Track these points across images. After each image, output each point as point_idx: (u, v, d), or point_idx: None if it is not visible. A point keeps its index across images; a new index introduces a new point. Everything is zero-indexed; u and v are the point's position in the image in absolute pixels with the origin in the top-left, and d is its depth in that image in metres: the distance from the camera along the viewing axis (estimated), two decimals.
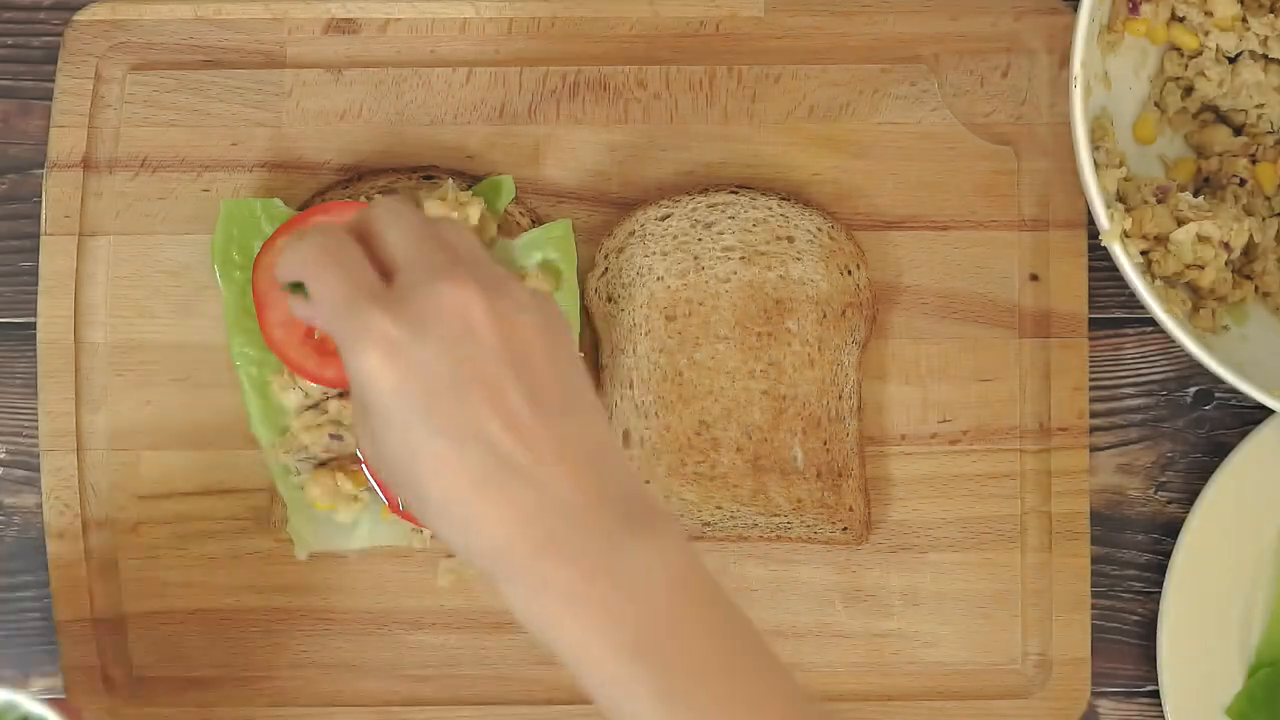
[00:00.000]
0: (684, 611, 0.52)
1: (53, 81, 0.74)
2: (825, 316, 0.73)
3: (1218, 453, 0.76)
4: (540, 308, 0.55)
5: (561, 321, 0.56)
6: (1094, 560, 0.75)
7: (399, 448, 0.52)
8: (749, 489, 0.73)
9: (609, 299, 0.73)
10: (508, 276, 0.56)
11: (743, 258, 0.73)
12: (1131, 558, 0.76)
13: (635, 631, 0.51)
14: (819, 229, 0.73)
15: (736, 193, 0.73)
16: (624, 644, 0.51)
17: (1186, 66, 0.74)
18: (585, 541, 0.51)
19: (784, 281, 0.73)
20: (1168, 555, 0.74)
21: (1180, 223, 0.71)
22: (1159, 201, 0.72)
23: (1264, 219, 0.73)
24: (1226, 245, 0.71)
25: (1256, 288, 0.74)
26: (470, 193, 0.72)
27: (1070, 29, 0.68)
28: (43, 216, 0.74)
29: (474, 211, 0.71)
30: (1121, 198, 0.72)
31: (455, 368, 0.52)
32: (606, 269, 0.73)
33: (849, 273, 0.73)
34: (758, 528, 0.73)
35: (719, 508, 0.73)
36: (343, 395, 0.71)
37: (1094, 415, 0.75)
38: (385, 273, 0.55)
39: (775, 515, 0.73)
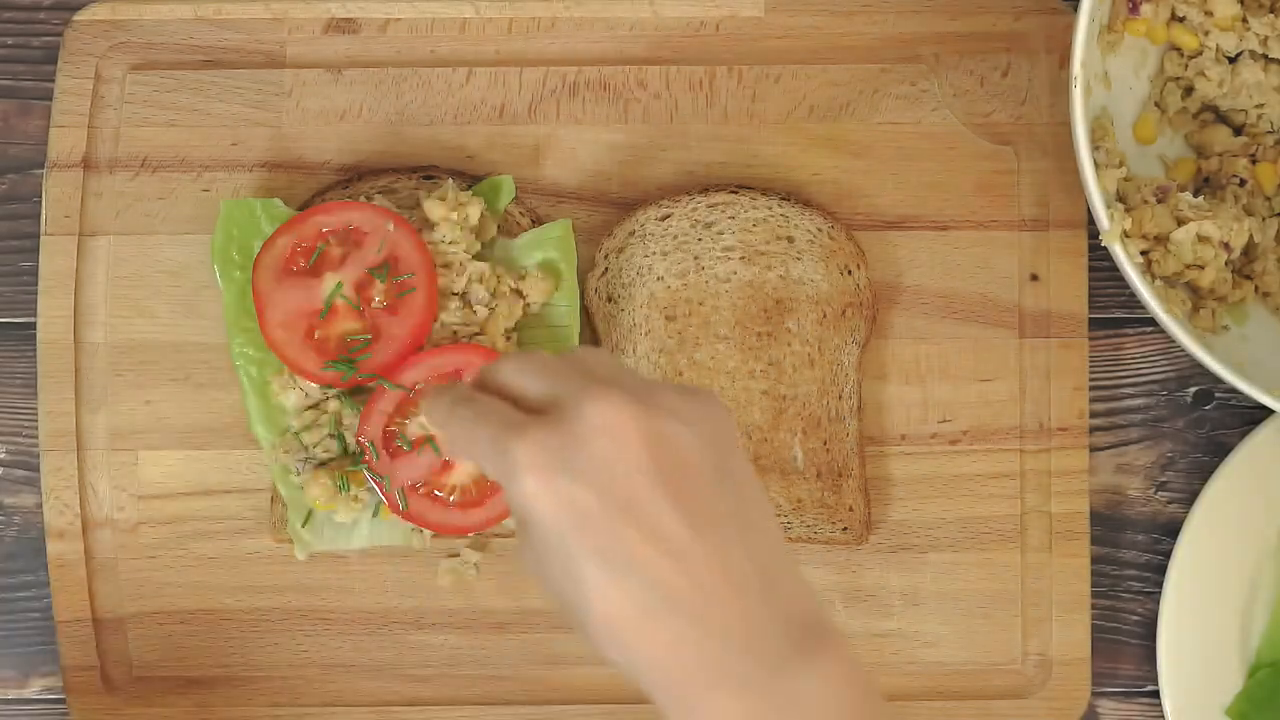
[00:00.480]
0: None
1: (53, 81, 0.74)
2: (825, 316, 0.73)
3: (1218, 453, 0.76)
4: (699, 415, 0.52)
5: (725, 425, 0.53)
6: (1094, 560, 0.75)
7: (561, 575, 0.51)
8: None
9: (609, 299, 0.73)
10: (660, 386, 0.53)
11: (743, 258, 0.73)
12: (1131, 558, 0.76)
13: None
14: (819, 229, 0.73)
15: (736, 193, 0.73)
16: None
17: (1186, 66, 0.74)
18: (751, 670, 0.49)
19: (784, 281, 0.73)
20: (1168, 555, 0.74)
21: (1180, 223, 0.71)
22: (1159, 201, 0.72)
23: (1264, 219, 0.73)
24: (1226, 245, 0.71)
25: (1256, 288, 0.74)
26: (470, 193, 0.72)
27: (1070, 29, 0.68)
28: (43, 216, 0.74)
29: (474, 211, 0.71)
30: (1121, 198, 0.72)
31: (607, 491, 0.49)
32: (606, 269, 0.73)
33: (849, 273, 0.73)
34: None
35: None
36: (342, 395, 0.71)
37: (1094, 415, 0.75)
38: (530, 412, 0.53)
39: (775, 515, 0.73)
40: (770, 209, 0.73)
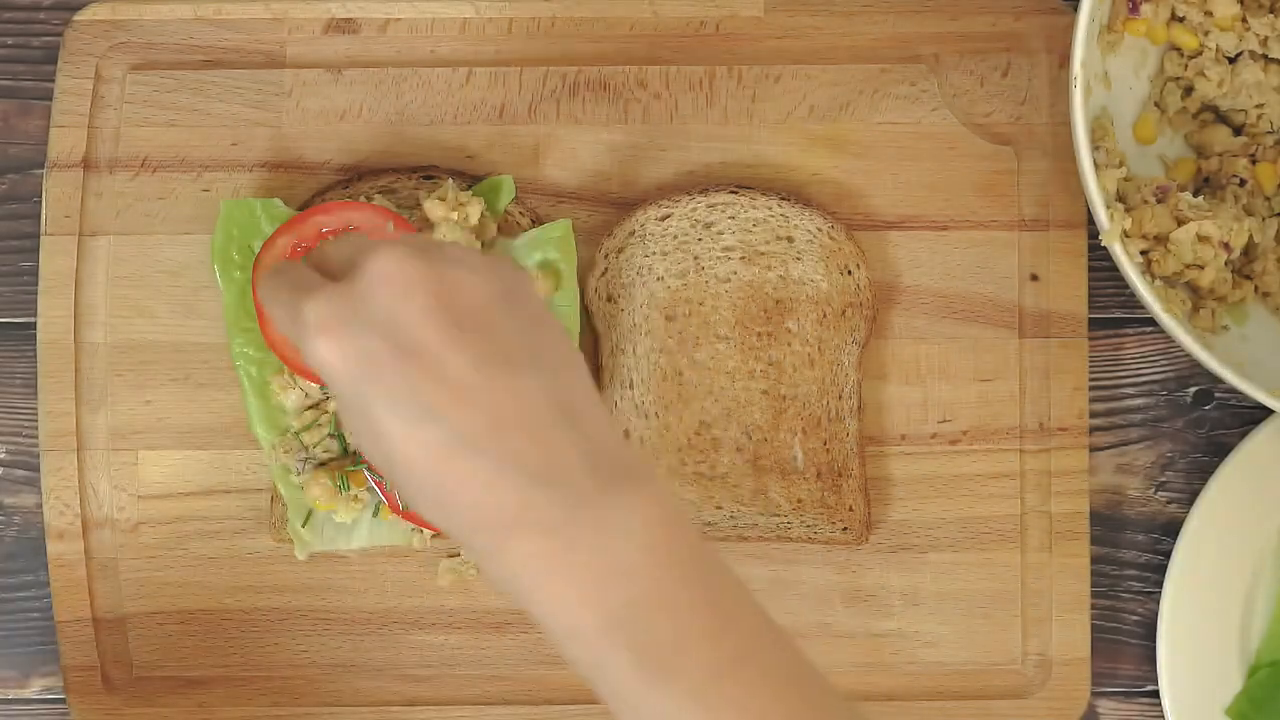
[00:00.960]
0: (664, 574, 0.50)
1: (53, 81, 0.74)
2: (825, 316, 0.73)
3: (1218, 453, 0.76)
4: (485, 264, 0.52)
5: (516, 275, 0.54)
6: (1094, 560, 0.75)
7: (364, 428, 0.51)
8: (749, 489, 0.73)
9: (609, 299, 0.73)
10: (450, 244, 0.54)
11: (743, 258, 0.73)
12: (1131, 558, 0.76)
13: (612, 599, 0.49)
14: (819, 229, 0.73)
15: (736, 193, 0.73)
16: (601, 612, 0.49)
17: (1186, 66, 0.74)
18: (555, 508, 0.49)
19: (784, 281, 0.73)
20: (1168, 555, 0.74)
21: (1180, 223, 0.71)
22: (1159, 201, 0.72)
23: (1264, 219, 0.73)
24: (1226, 245, 0.71)
25: (1256, 288, 0.74)
26: (470, 193, 0.72)
27: (1070, 29, 0.68)
28: (43, 216, 0.74)
29: (474, 211, 0.71)
30: (1121, 197, 0.72)
31: (392, 338, 0.50)
32: (606, 269, 0.73)
33: (849, 273, 0.73)
34: (758, 528, 0.73)
35: (719, 508, 0.73)
36: None
37: (1094, 415, 0.75)
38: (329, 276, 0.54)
39: (775, 515, 0.73)
40: (770, 209, 0.73)
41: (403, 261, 0.51)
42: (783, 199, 0.73)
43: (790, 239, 0.73)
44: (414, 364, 0.50)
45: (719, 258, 0.73)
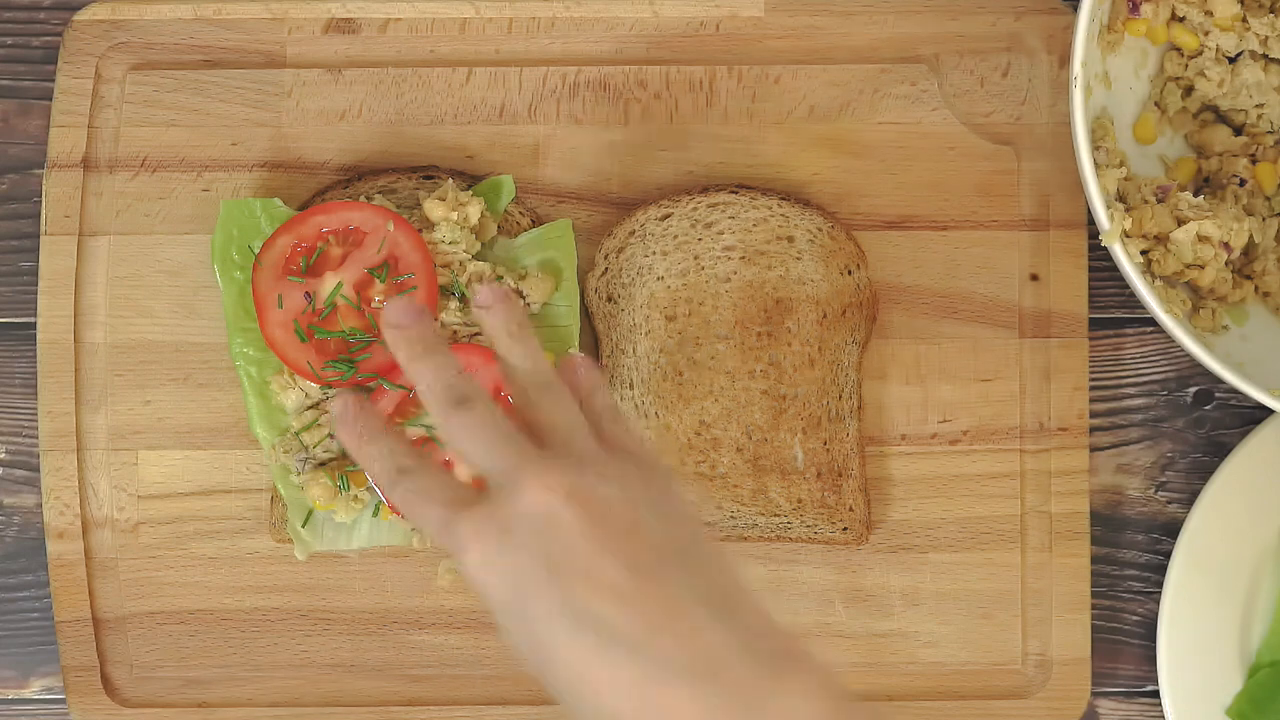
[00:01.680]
0: None
1: (53, 81, 0.74)
2: (825, 316, 0.73)
3: (1218, 453, 0.76)
4: (625, 473, 0.55)
5: (661, 477, 0.56)
6: (1094, 560, 0.75)
7: (523, 643, 0.53)
8: (749, 489, 0.73)
9: (609, 299, 0.73)
10: (594, 452, 0.56)
11: (743, 257, 0.73)
12: (1131, 558, 0.76)
13: None
14: (819, 229, 0.73)
15: (736, 192, 0.73)
16: None
17: (1186, 66, 0.74)
18: (722, 699, 0.50)
19: (784, 281, 0.73)
20: (1168, 555, 0.74)
21: (1180, 222, 0.71)
22: (1159, 201, 0.72)
23: (1264, 219, 0.73)
24: (1226, 245, 0.71)
25: (1256, 288, 0.74)
26: (470, 193, 0.72)
27: (1070, 29, 0.68)
28: (43, 216, 0.74)
29: (474, 211, 0.71)
30: (1121, 197, 0.72)
31: (549, 561, 0.52)
32: (606, 269, 0.73)
33: (849, 273, 0.73)
34: (758, 528, 0.73)
35: (719, 508, 0.73)
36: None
37: (1094, 415, 0.75)
38: (477, 482, 0.56)
39: (775, 515, 0.73)
40: (770, 209, 0.73)
41: (552, 491, 0.53)
42: (783, 199, 0.73)
43: (791, 239, 0.73)
44: (569, 579, 0.52)
45: (719, 257, 0.73)
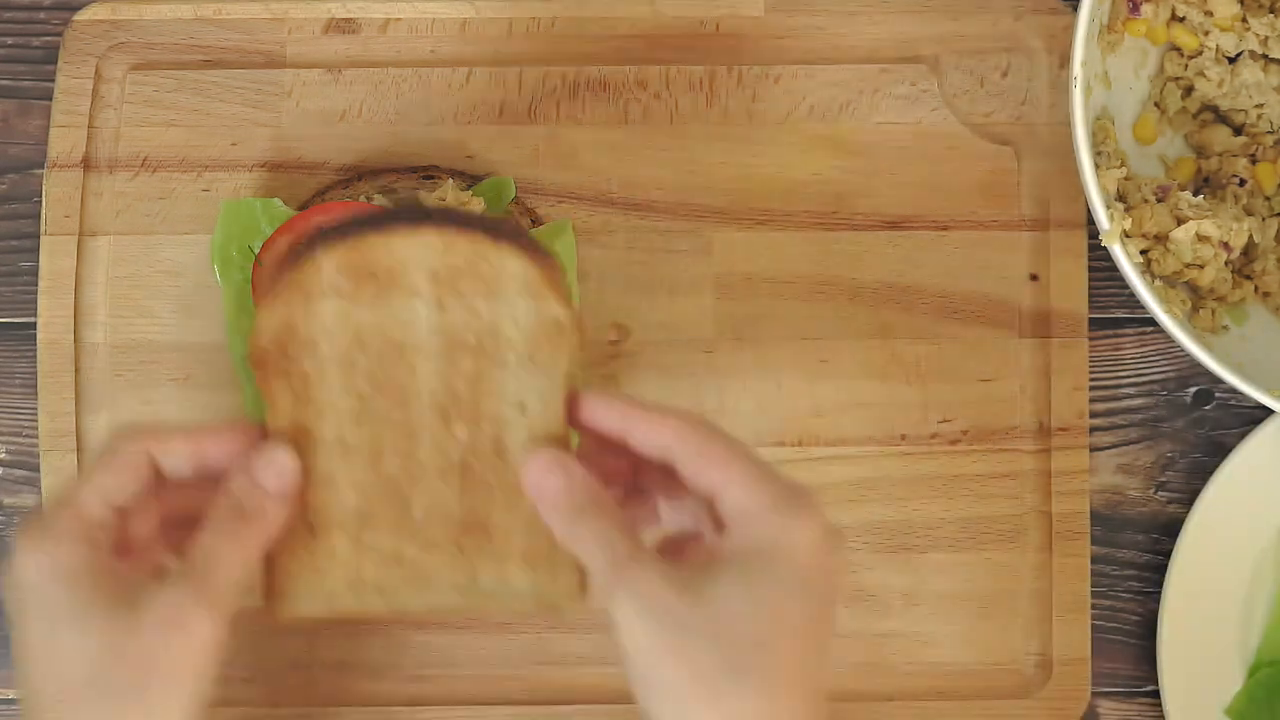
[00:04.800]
0: None
1: (53, 81, 0.74)
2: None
3: (1218, 453, 0.76)
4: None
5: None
6: (1094, 560, 0.75)
7: (767, 596, 0.52)
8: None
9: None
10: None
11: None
12: (1131, 558, 0.76)
13: None
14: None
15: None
16: None
17: (1186, 66, 0.74)
18: None
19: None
20: (1168, 555, 0.74)
21: (1180, 222, 0.71)
22: (1159, 201, 0.72)
23: (1264, 219, 0.73)
24: (1226, 245, 0.71)
25: (1256, 288, 0.74)
26: (470, 193, 0.72)
27: (1070, 29, 0.68)
28: (43, 216, 0.74)
29: (474, 211, 0.71)
30: (1121, 197, 0.72)
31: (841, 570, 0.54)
32: None
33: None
34: None
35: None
36: None
37: (1094, 415, 0.75)
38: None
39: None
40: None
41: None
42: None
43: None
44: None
45: None
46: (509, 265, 0.56)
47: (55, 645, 0.52)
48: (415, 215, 0.59)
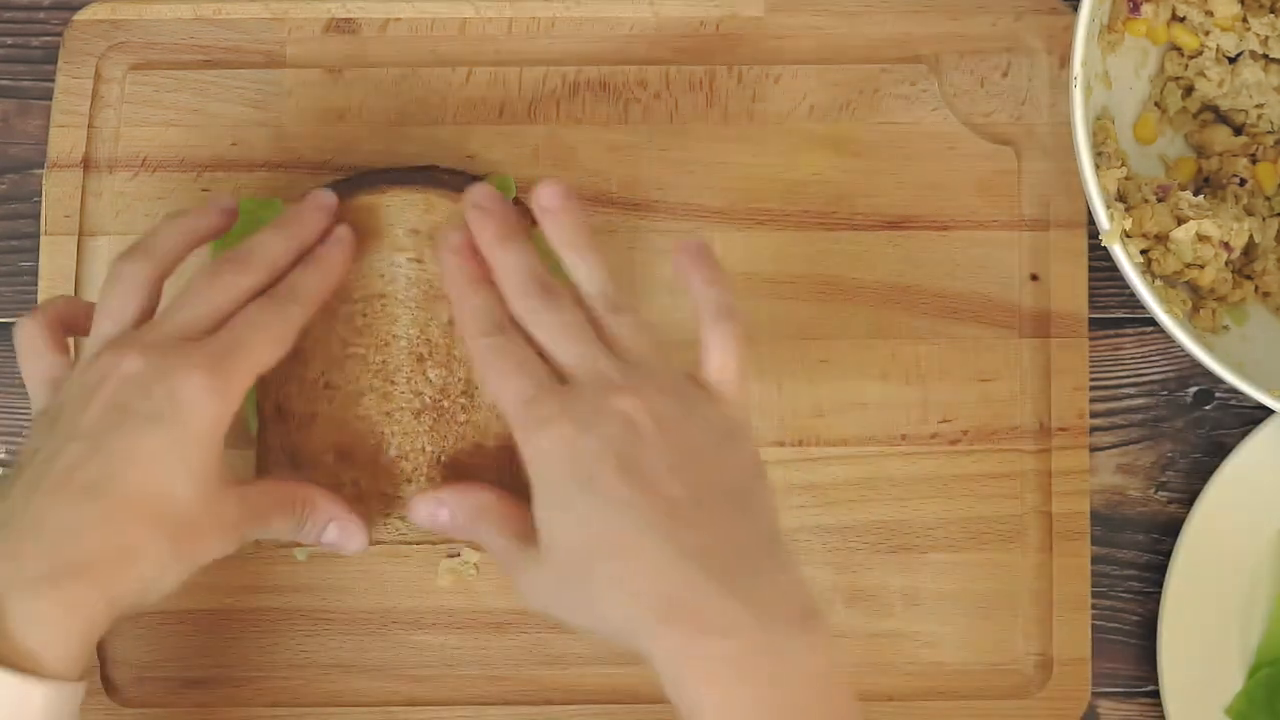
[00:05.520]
0: (820, 707, 0.54)
1: (53, 81, 0.74)
2: None
3: (1218, 453, 0.76)
4: (704, 407, 0.57)
5: (738, 427, 0.58)
6: (1094, 560, 0.75)
7: (565, 522, 0.55)
8: None
9: None
10: (679, 379, 0.58)
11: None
12: (1131, 558, 0.76)
13: (777, 709, 0.53)
14: None
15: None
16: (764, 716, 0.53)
17: (1187, 66, 0.74)
18: (754, 631, 0.53)
19: None
20: (1168, 555, 0.74)
21: (1180, 222, 0.71)
22: (1159, 200, 0.72)
23: (1264, 219, 0.73)
24: (1226, 245, 0.71)
25: (1256, 288, 0.74)
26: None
27: (1070, 29, 0.68)
28: (43, 216, 0.74)
29: None
30: (1122, 197, 0.72)
31: (623, 459, 0.54)
32: None
33: None
34: None
35: None
36: None
37: (1094, 415, 0.75)
38: (557, 372, 0.58)
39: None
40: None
41: (639, 404, 0.56)
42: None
43: None
44: (638, 479, 0.54)
45: None
46: None
47: None
48: (400, 177, 0.67)
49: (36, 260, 0.74)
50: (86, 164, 0.74)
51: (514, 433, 0.57)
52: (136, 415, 0.56)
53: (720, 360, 0.59)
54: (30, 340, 0.62)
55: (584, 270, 0.60)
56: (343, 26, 0.75)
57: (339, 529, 0.63)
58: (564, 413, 0.55)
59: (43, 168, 0.74)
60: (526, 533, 0.58)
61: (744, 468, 0.58)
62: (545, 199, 0.61)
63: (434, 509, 0.61)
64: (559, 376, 0.58)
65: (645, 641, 0.53)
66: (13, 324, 0.75)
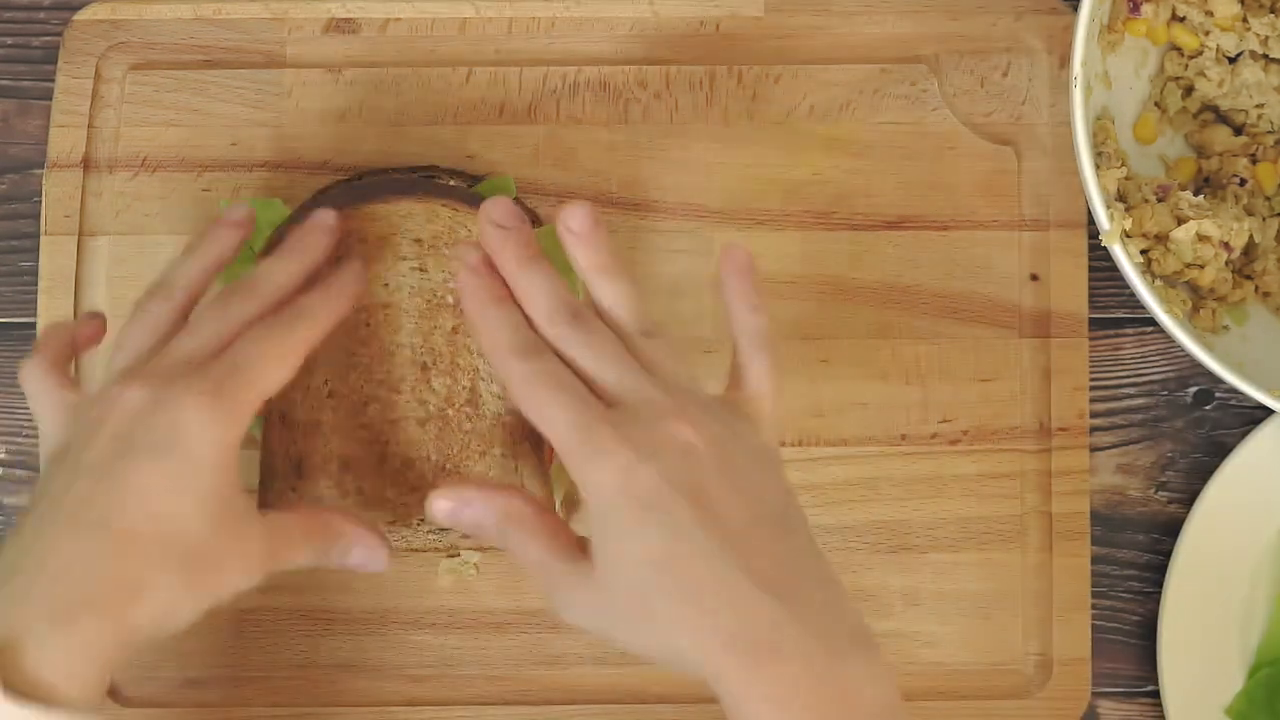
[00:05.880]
0: None
1: (53, 81, 0.74)
2: None
3: (1218, 453, 0.76)
4: (751, 437, 0.58)
5: (773, 449, 0.59)
6: (1094, 560, 0.75)
7: (623, 545, 0.54)
8: None
9: None
10: (716, 402, 0.58)
11: None
12: (1131, 558, 0.76)
13: None
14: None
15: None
16: None
17: (1187, 66, 0.74)
18: (819, 654, 0.53)
19: None
20: (1168, 555, 0.74)
21: (1180, 222, 0.71)
22: (1159, 200, 0.72)
23: (1264, 219, 0.73)
24: (1226, 245, 0.71)
25: (1256, 288, 0.74)
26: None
27: (1070, 29, 0.68)
28: (43, 216, 0.74)
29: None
30: (1122, 197, 0.72)
31: (687, 487, 0.54)
32: None
33: None
34: None
35: None
36: None
37: (1094, 415, 0.75)
38: (601, 397, 0.57)
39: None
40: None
41: (694, 424, 0.55)
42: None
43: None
44: (703, 507, 0.54)
45: None
46: None
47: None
48: (401, 185, 0.67)
49: (36, 260, 0.74)
50: (86, 164, 0.74)
51: (565, 459, 0.56)
52: (140, 446, 0.55)
53: (757, 386, 0.59)
54: (39, 382, 0.61)
55: (615, 294, 0.59)
56: (343, 26, 0.75)
57: (364, 551, 0.62)
58: (622, 441, 0.54)
59: (43, 168, 0.74)
60: (567, 547, 0.57)
61: (782, 490, 0.58)
62: (573, 222, 0.58)
63: (458, 507, 0.58)
64: (603, 400, 0.57)
65: (710, 667, 0.53)
66: (13, 324, 0.75)
